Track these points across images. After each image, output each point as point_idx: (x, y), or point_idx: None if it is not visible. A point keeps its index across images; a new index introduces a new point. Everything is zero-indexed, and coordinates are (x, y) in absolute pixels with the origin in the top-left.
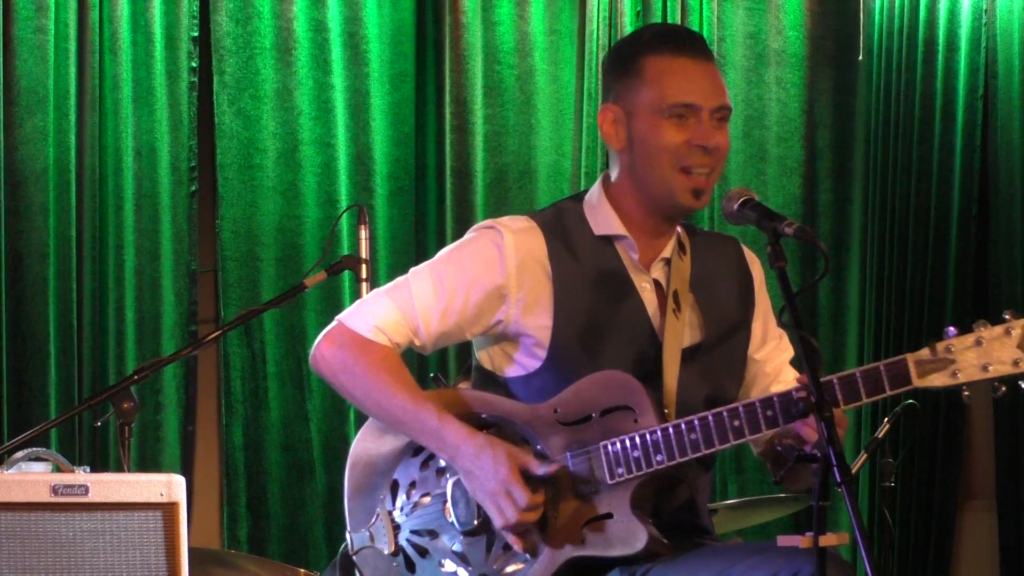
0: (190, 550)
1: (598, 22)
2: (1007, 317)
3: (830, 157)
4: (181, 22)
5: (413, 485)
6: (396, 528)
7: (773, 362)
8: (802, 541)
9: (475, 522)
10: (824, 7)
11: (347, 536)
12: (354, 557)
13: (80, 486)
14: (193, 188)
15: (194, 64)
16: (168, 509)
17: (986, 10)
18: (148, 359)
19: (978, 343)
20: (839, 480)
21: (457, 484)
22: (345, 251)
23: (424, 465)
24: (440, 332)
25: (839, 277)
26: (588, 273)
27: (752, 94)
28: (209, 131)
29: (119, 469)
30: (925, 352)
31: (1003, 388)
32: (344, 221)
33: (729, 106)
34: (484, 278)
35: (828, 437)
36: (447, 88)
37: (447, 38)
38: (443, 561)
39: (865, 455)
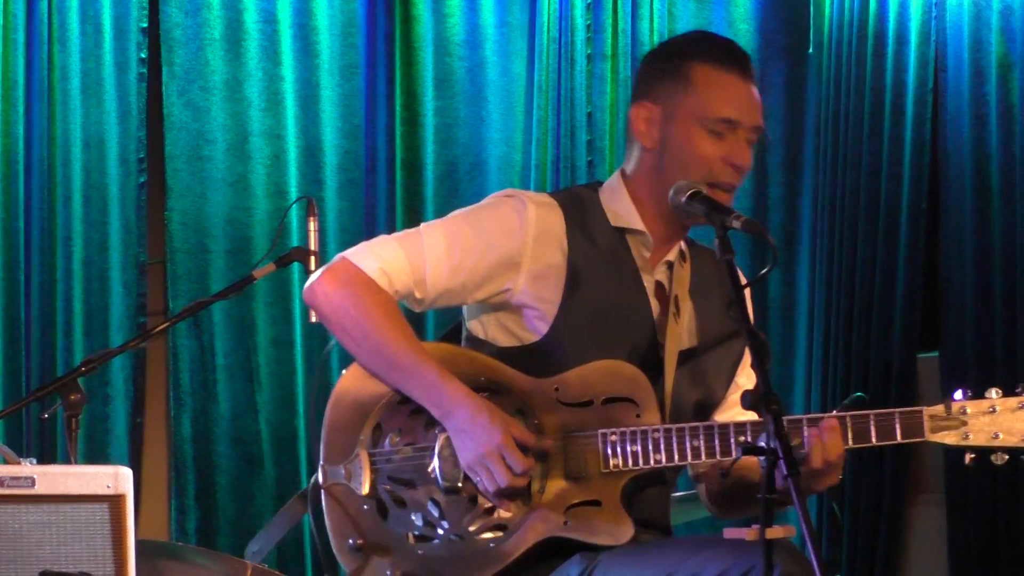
0: (138, 542)
1: (548, 14)
2: (1020, 390)
3: (781, 150)
4: (130, 13)
5: (399, 432)
6: (375, 471)
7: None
8: (748, 533)
9: (459, 482)
10: (775, 0)
11: (320, 468)
12: (324, 490)
13: (26, 478)
14: (142, 179)
15: (143, 55)
16: (115, 501)
17: (936, 3)
18: (96, 351)
19: (992, 411)
20: (786, 474)
21: (448, 440)
22: (294, 243)
23: (413, 414)
24: (445, 288)
25: (789, 271)
26: (601, 260)
27: None
28: (158, 122)
29: (67, 461)
30: (940, 409)
31: (1006, 457)
32: (293, 213)
33: (763, 127)
34: (501, 243)
35: (775, 431)
36: (397, 80)
37: (397, 30)
38: (417, 514)
39: None
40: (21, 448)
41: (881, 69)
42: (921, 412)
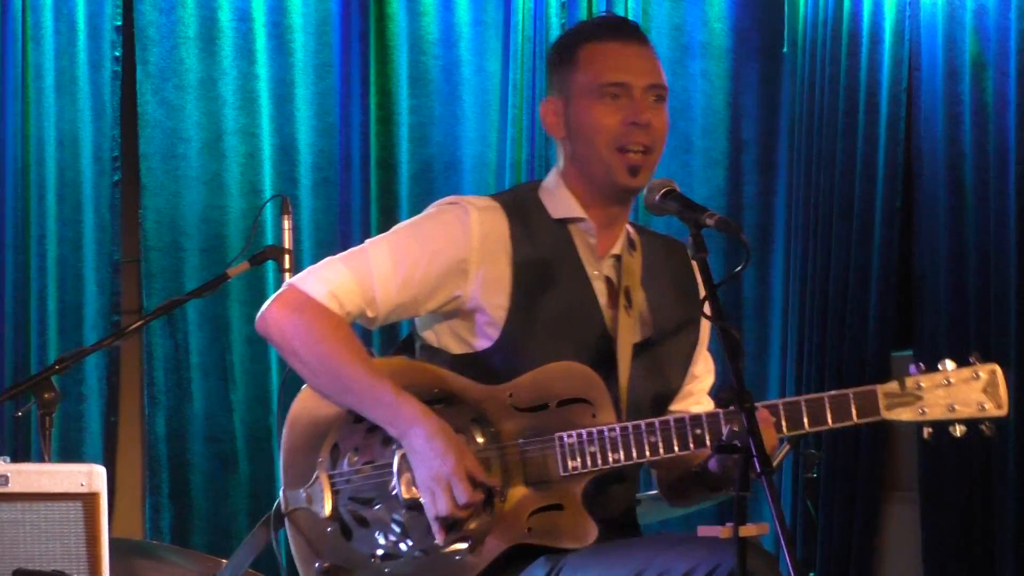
0: (112, 540)
1: (523, 12)
2: (973, 361)
3: (755, 149)
4: (104, 11)
5: (357, 451)
6: (335, 493)
7: (701, 382)
8: (722, 531)
9: (420, 498)
10: None
11: (281, 493)
12: (287, 516)
13: (0, 476)
14: (116, 178)
15: (117, 53)
16: (89, 499)
17: (910, 3)
18: (70, 349)
19: (947, 383)
20: (759, 471)
21: (405, 457)
22: (269, 241)
23: (370, 432)
24: (396, 303)
25: (763, 269)
26: (546, 258)
27: (677, 86)
28: (132, 120)
29: (41, 459)
30: (894, 385)
31: (963, 429)
32: (268, 211)
33: (663, 85)
34: (447, 251)
35: (749, 428)
36: (372, 78)
37: (372, 28)
38: (382, 532)
39: (788, 446)
40: None
41: (855, 68)
42: (875, 390)
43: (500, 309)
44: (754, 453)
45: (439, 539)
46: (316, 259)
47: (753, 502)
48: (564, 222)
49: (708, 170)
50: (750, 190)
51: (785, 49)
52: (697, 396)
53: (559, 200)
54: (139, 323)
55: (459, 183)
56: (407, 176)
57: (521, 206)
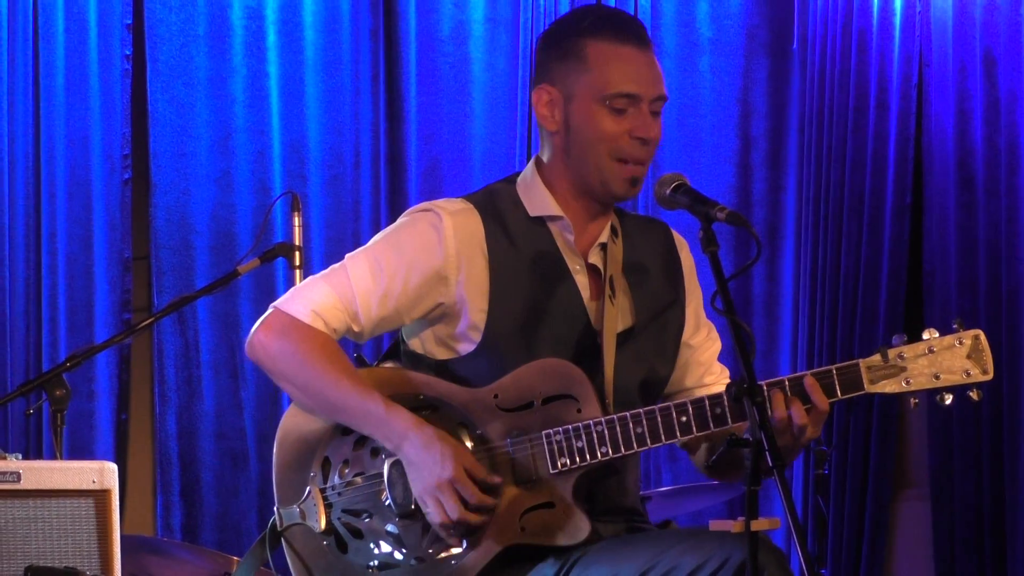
0: (123, 537)
1: (534, 10)
2: (956, 327)
3: (764, 146)
4: (115, 9)
5: (346, 463)
6: (328, 507)
7: (707, 351)
8: (734, 526)
9: (412, 506)
10: None
11: (276, 511)
12: (283, 534)
13: (12, 473)
14: (126, 176)
15: (127, 51)
16: (100, 496)
17: None
18: (81, 347)
19: (930, 351)
20: (771, 465)
21: (395, 466)
22: (279, 239)
23: (358, 444)
24: (380, 317)
25: (773, 265)
26: (524, 256)
27: (686, 83)
28: (142, 119)
29: (52, 457)
30: (877, 358)
31: (950, 397)
32: (278, 208)
33: (666, 96)
34: (424, 261)
35: (760, 422)
36: (382, 76)
37: (382, 25)
38: (377, 542)
39: None
40: (7, 443)
41: (865, 64)
42: (858, 364)
43: (480, 312)
44: (766, 447)
45: (453, 543)
46: (327, 256)
47: (763, 498)
48: (542, 219)
49: (717, 167)
50: (759, 187)
51: (795, 45)
52: (707, 365)
53: (536, 197)
54: (149, 320)
55: (468, 181)
56: (417, 173)
57: (496, 205)
